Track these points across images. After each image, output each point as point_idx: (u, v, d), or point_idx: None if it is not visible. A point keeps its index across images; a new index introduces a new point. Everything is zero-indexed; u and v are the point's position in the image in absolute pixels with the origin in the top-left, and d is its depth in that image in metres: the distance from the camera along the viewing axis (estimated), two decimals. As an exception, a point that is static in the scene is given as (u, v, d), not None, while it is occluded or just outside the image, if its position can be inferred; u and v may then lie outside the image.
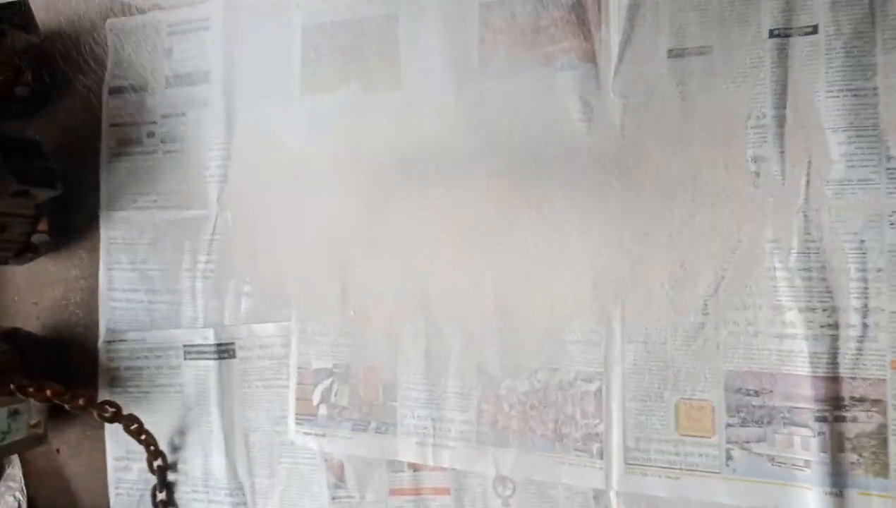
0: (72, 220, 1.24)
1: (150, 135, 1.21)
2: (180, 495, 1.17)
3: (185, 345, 1.16)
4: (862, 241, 0.84)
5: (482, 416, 0.99)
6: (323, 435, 1.07)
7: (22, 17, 1.19)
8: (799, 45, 0.87)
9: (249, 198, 1.14)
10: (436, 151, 1.02)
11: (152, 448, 1.14)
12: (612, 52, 0.95)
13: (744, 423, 0.88)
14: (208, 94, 1.17)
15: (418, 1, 1.04)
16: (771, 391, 0.88)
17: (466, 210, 1.00)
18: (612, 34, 0.95)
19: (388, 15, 1.06)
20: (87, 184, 1.24)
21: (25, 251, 1.22)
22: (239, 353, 1.14)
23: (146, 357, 1.19)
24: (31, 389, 1.03)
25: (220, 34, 1.16)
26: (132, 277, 1.21)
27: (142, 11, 1.22)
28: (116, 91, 1.23)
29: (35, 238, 1.21)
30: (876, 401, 0.83)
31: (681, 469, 0.90)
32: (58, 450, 1.27)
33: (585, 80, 0.96)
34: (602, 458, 0.93)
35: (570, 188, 0.95)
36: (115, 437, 1.21)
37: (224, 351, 1.14)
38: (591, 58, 0.96)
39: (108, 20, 1.24)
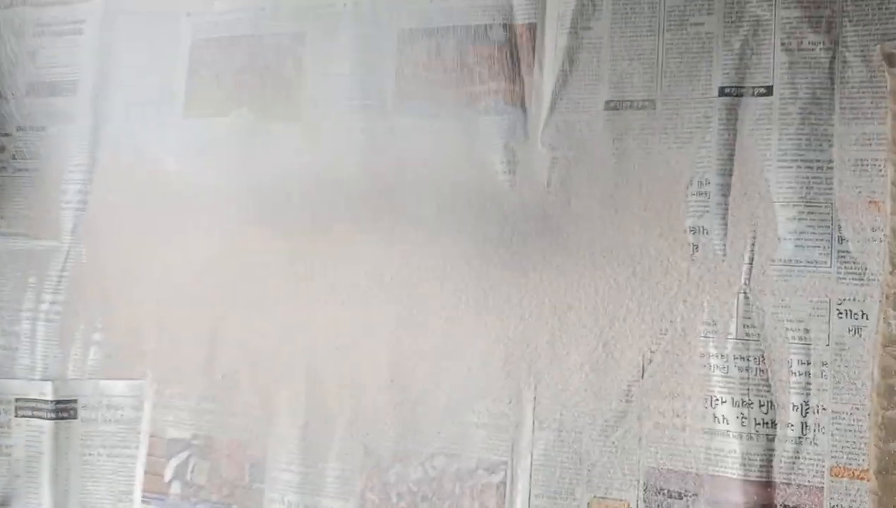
0: None
1: (0, 149, 1.02)
2: (-9, 584, 0.96)
3: (17, 399, 0.97)
4: (807, 331, 0.75)
5: (365, 506, 0.84)
6: (173, 519, 0.89)
7: None
8: (751, 106, 0.79)
9: (110, 232, 0.97)
10: (335, 194, 0.89)
11: (-40, 524, 0.93)
12: (543, 98, 0.85)
13: (664, 530, 0.76)
14: (74, 108, 1.00)
15: (331, 20, 0.92)
16: (696, 494, 0.76)
17: (365, 263, 0.87)
18: (545, 78, 0.85)
19: (295, 33, 0.93)
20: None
21: None
22: (81, 413, 0.95)
23: (-35, 411, 0.98)
24: None
25: (94, 40, 1.01)
26: (-46, 315, 1.01)
27: (6, 5, 1.05)
28: (-35, 96, 1.05)
29: None
30: (812, 513, 0.73)
31: (591, 582, 0.78)
32: None
33: (512, 127, 0.86)
34: (501, 565, 0.80)
35: (487, 247, 0.84)
36: (-84, 508, 0.99)
37: (64, 410, 0.96)
38: (520, 103, 0.86)
39: (-35, 13, 1.06)
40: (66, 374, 0.96)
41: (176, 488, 0.90)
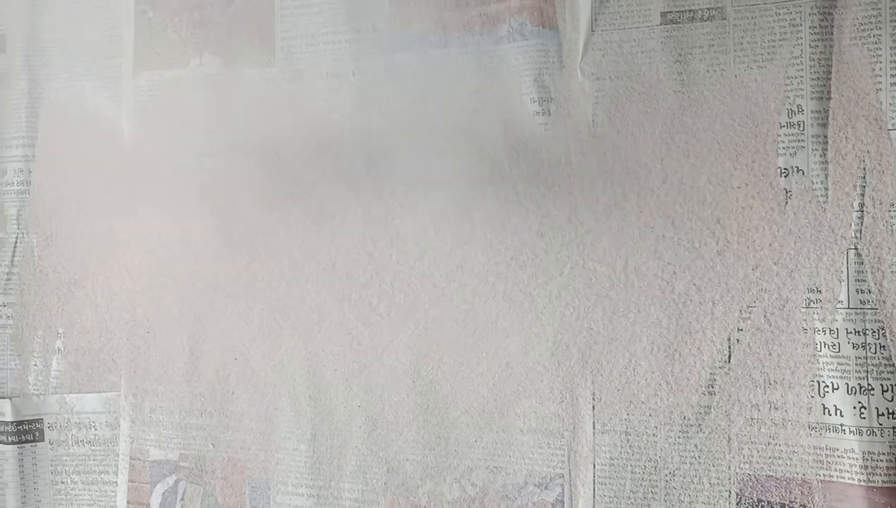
0: None
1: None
2: None
3: (-29, 422, 0.82)
4: (938, 293, 0.59)
5: (394, 534, 0.69)
6: (165, 558, 0.75)
7: None
8: (851, 7, 0.61)
9: (63, 216, 0.80)
10: (326, 155, 0.71)
11: (-82, 572, 0.79)
12: (580, 14, 0.67)
13: (766, 550, 0.61)
14: (3, 68, 0.82)
15: (302, -65, 0.73)
16: (804, 506, 0.61)
17: (369, 238, 0.70)
18: (579, -9, 0.67)
19: (260, -44, 0.75)
20: None
21: None
22: (48, 435, 0.80)
23: (-85, 438, 0.83)
24: None
25: (21, -18, 0.82)
26: None
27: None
28: None
29: None
30: (956, 523, 0.58)
31: None
32: None
33: (543, 54, 0.68)
34: None
35: (519, 210, 0.67)
36: None
37: (27, 432, 0.81)
38: (552, 22, 0.68)
39: None
40: (27, 390, 0.81)
41: (165, 518, 0.76)
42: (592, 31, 0.67)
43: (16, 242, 0.82)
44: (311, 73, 0.73)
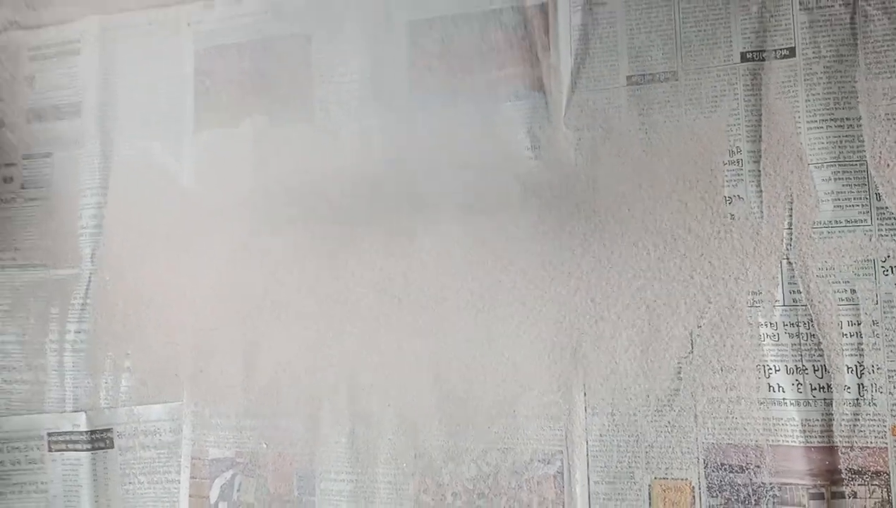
0: None
1: (8, 180, 1.00)
2: None
3: (49, 434, 0.95)
4: (853, 291, 0.74)
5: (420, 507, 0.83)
6: (224, 541, 0.88)
7: None
8: (775, 69, 0.78)
9: (131, 254, 0.95)
10: (358, 193, 0.87)
11: (5, 566, 0.91)
12: (562, 79, 0.84)
13: (727, 504, 0.76)
14: (80, 131, 0.98)
15: (336, 17, 0.90)
16: (758, 466, 0.75)
17: (395, 261, 0.85)
18: (562, 58, 0.84)
19: (299, 35, 0.91)
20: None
21: None
22: (118, 442, 0.93)
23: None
24: None
25: (94, 59, 0.98)
26: (-19, 352, 0.99)
27: (-4, 32, 1.02)
28: (-36, 128, 1.02)
29: None
30: (877, 473, 0.73)
31: (660, 564, 0.77)
32: None
33: (533, 110, 0.84)
34: (567, 556, 0.79)
35: (517, 234, 0.82)
36: (-43, 553, 0.97)
37: (99, 440, 0.94)
38: (540, 86, 0.84)
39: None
40: (99, 404, 0.94)
41: (222, 508, 0.89)
42: (572, 92, 0.83)
43: (90, 277, 0.96)
44: (344, 129, 0.89)
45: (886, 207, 0.74)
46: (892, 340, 0.73)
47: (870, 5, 0.76)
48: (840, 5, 0.77)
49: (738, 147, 0.78)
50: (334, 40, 0.90)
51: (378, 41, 0.88)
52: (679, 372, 0.78)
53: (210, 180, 0.93)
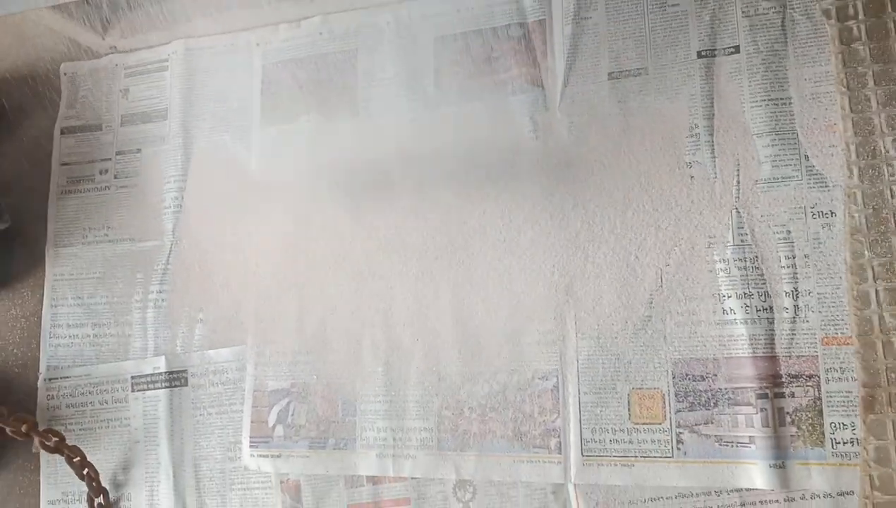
0: (18, 258, 1.22)
1: (103, 172, 1.22)
2: (122, 537, 1.11)
3: (133, 377, 1.14)
4: (789, 232, 0.94)
5: (442, 422, 1.01)
6: (279, 456, 1.06)
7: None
8: (724, 63, 0.99)
9: (206, 227, 1.16)
10: (394, 171, 1.08)
11: (94, 483, 1.09)
12: (557, 77, 1.05)
13: (691, 408, 0.93)
14: (165, 131, 1.20)
15: (376, 36, 1.13)
16: (715, 374, 0.93)
17: (425, 224, 1.05)
18: (557, 61, 1.05)
19: (347, 50, 1.14)
20: (34, 223, 1.23)
21: (-35, 289, 1.19)
22: (191, 381, 1.12)
23: (90, 392, 1.16)
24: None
25: (178, 74, 1.21)
26: (77, 313, 1.19)
27: (98, 56, 1.26)
28: (69, 131, 1.25)
29: (-24, 275, 1.19)
30: (810, 376, 0.90)
31: (635, 457, 0.94)
32: (-16, 501, 1.19)
33: (535, 102, 1.05)
34: (560, 452, 0.96)
35: (520, 196, 1.03)
36: (50, 479, 1.15)
37: (176, 379, 1.13)
38: (539, 83, 1.06)
39: (63, 64, 1.27)
40: (176, 350, 1.13)
41: (279, 431, 1.07)
42: (565, 86, 1.05)
43: (170, 247, 1.17)
44: (382, 122, 1.11)
45: (813, 166, 0.94)
46: (820, 270, 0.92)
47: (796, 12, 0.98)
48: (773, 12, 0.98)
49: (696, 123, 0.99)
50: (375, 53, 1.13)
51: (409, 53, 1.11)
52: (651, 303, 0.97)
53: (272, 166, 1.14)
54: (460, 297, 1.03)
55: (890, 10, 0.94)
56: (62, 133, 1.25)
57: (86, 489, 1.10)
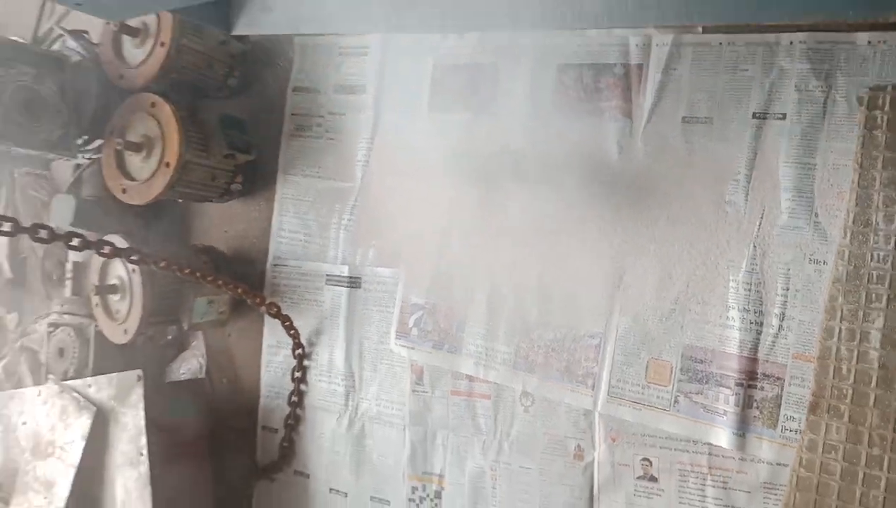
0: (258, 178, 1.76)
1: (319, 125, 1.70)
2: (310, 376, 1.69)
3: (326, 275, 1.67)
4: (789, 269, 1.23)
5: (519, 350, 1.45)
6: (412, 348, 1.56)
7: (242, 31, 1.70)
8: (772, 126, 1.26)
9: (384, 179, 1.62)
10: (512, 165, 1.46)
11: (296, 340, 1.66)
12: (644, 113, 1.36)
13: (689, 380, 1.30)
14: (362, 103, 1.65)
15: (514, 55, 1.47)
16: (711, 361, 1.28)
17: (526, 208, 1.44)
18: (646, 100, 1.36)
19: (493, 64, 1.50)
20: (271, 154, 1.75)
21: (224, 195, 1.75)
22: (363, 285, 1.63)
23: (299, 279, 1.70)
24: (230, 285, 1.56)
25: (376, 60, 1.63)
26: (295, 222, 1.72)
27: (319, 36, 1.70)
28: (298, 90, 1.73)
29: (232, 187, 1.74)
30: (778, 378, 1.23)
31: (644, 404, 1.33)
32: (229, 334, 1.81)
33: (623, 130, 1.37)
34: (593, 389, 1.37)
35: (599, 202, 1.38)
36: (270, 330, 1.74)
37: (353, 283, 1.64)
38: (629, 115, 1.37)
39: (296, 38, 1.73)
40: (356, 263, 1.64)
41: (414, 331, 1.56)
42: (648, 122, 1.35)
43: (358, 189, 1.64)
44: (512, 123, 1.48)
45: (820, 222, 1.21)
46: (805, 303, 1.22)
47: (838, 94, 1.21)
48: (819, 91, 1.22)
49: (739, 170, 1.28)
50: (512, 70, 1.48)
51: (537, 73, 1.45)
52: (676, 300, 1.32)
53: (431, 145, 1.56)
54: (545, 267, 1.43)
55: (911, 107, 1.16)
56: (293, 90, 1.73)
57: (290, 342, 1.67)
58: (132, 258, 1.35)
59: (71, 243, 1.22)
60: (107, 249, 1.30)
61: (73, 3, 1.05)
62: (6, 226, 1.13)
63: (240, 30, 1.31)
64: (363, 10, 1.13)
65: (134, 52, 1.62)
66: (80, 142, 1.69)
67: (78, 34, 1.72)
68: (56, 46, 1.81)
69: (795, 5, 0.88)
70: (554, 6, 0.96)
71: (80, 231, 1.32)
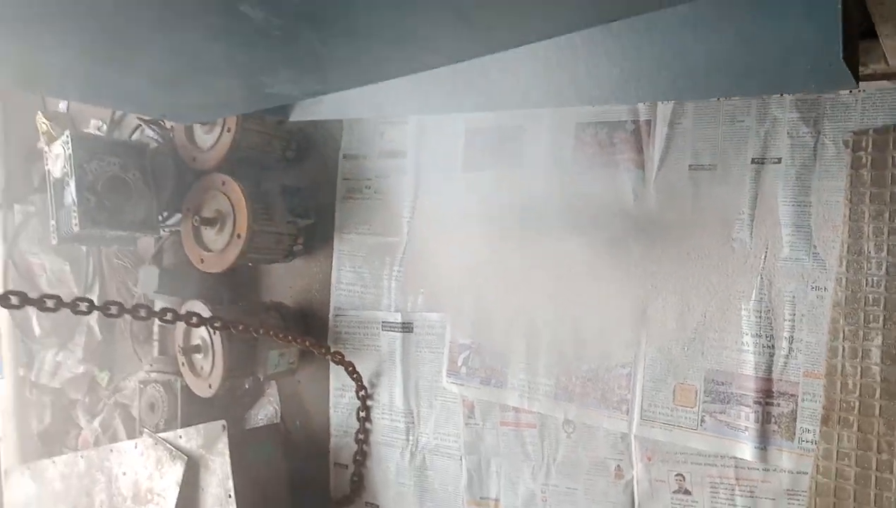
0: (317, 238, 1.97)
1: (367, 187, 1.90)
2: (374, 415, 1.87)
3: (382, 322, 1.86)
4: (794, 297, 1.37)
5: (559, 382, 1.61)
6: (462, 385, 1.73)
7: (295, 110, 1.92)
8: (769, 170, 1.40)
9: (427, 232, 1.80)
10: (540, 214, 1.63)
11: (359, 383, 1.85)
12: (654, 163, 1.52)
13: (713, 401, 1.44)
14: (404, 165, 1.84)
15: (537, 120, 1.65)
16: (731, 383, 1.42)
17: (556, 256, 1.61)
18: (655, 152, 1.52)
19: (518, 126, 1.68)
20: (327, 216, 1.95)
21: (288, 255, 1.96)
22: (415, 330, 1.81)
23: (358, 327, 1.89)
24: (298, 340, 1.76)
25: (414, 127, 1.83)
26: (351, 276, 1.91)
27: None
28: (348, 157, 1.93)
29: (295, 248, 1.94)
30: (791, 395, 1.37)
31: (674, 425, 1.47)
32: (299, 381, 2.01)
33: (637, 179, 1.54)
34: (627, 414, 1.52)
35: (619, 245, 1.54)
36: (336, 375, 1.93)
37: (406, 328, 1.82)
38: (641, 166, 1.53)
39: (345, 110, 1.94)
40: (407, 309, 1.82)
41: (463, 370, 1.73)
42: (658, 171, 1.51)
43: (406, 243, 1.83)
44: (536, 176, 1.65)
45: (818, 253, 1.35)
46: (810, 327, 1.36)
47: (827, 138, 1.35)
48: (809, 136, 1.37)
49: (742, 211, 1.42)
50: (535, 130, 1.65)
51: (557, 132, 1.62)
52: (696, 329, 1.46)
53: (468, 199, 1.74)
54: (575, 305, 1.59)
55: (891, 147, 1.29)
56: (344, 157, 1.94)
57: (354, 385, 1.86)
58: (215, 325, 1.56)
59: (165, 317, 1.43)
60: (195, 320, 1.50)
61: (158, 115, 1.27)
62: (113, 309, 1.34)
63: (295, 117, 1.51)
64: (400, 99, 1.31)
65: (204, 137, 1.85)
66: (160, 218, 1.92)
67: (154, 122, 1.96)
68: (135, 136, 2.05)
69: (736, 85, 1.04)
70: (558, 90, 1.13)
71: (170, 307, 1.54)
